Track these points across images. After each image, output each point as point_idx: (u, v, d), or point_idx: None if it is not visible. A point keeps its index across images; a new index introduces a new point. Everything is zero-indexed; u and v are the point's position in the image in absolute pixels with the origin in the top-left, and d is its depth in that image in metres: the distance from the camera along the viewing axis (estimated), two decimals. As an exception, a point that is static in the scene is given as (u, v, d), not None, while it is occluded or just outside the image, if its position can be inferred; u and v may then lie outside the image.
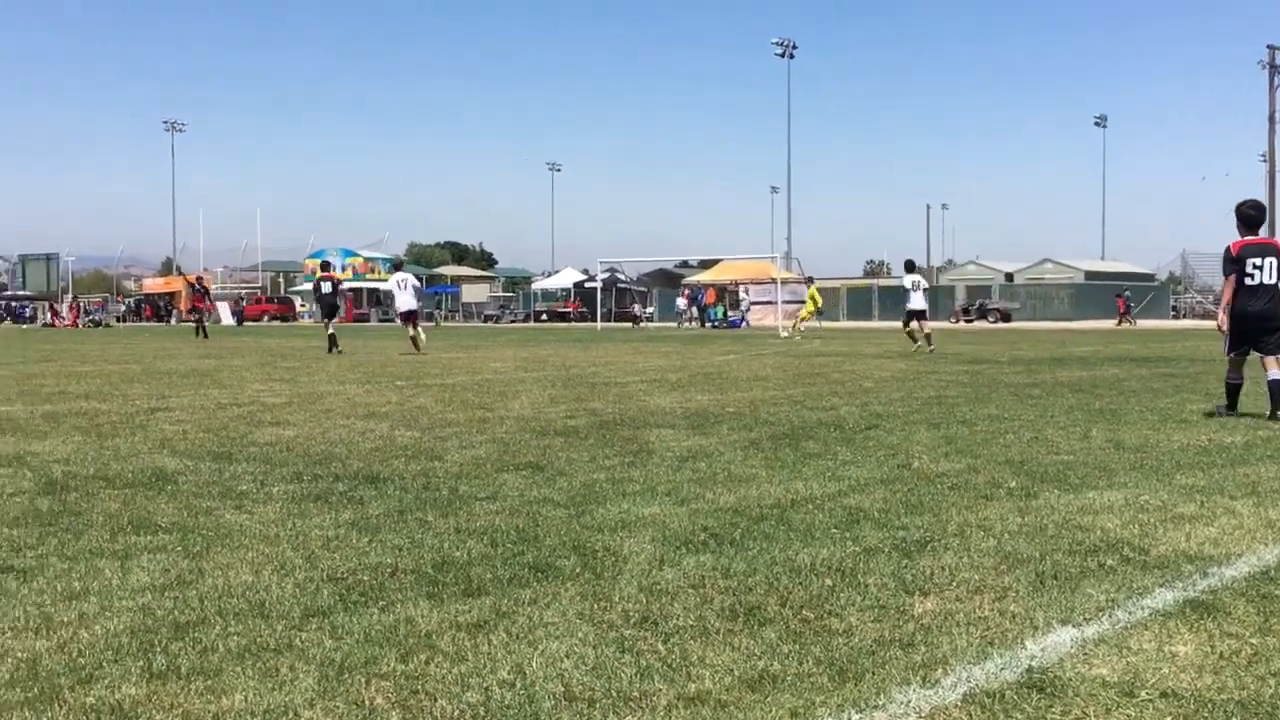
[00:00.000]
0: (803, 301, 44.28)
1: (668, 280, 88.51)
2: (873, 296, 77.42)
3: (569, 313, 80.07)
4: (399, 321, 28.52)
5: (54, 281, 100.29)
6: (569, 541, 5.68)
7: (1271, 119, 68.35)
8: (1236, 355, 11.32)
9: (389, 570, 5.12)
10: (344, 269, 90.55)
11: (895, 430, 10.31)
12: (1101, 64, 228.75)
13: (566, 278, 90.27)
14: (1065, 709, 3.46)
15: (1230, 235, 11.39)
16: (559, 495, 6.99)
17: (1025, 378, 17.21)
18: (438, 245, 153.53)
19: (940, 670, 3.79)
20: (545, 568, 5.15)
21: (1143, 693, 3.58)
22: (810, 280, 48.41)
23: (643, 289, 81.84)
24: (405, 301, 27.16)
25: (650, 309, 76.25)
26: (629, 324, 66.63)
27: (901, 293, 27.79)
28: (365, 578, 4.99)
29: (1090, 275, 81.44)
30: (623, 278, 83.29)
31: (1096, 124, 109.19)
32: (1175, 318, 73.79)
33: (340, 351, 26.37)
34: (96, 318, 75.03)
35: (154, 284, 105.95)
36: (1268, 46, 68.52)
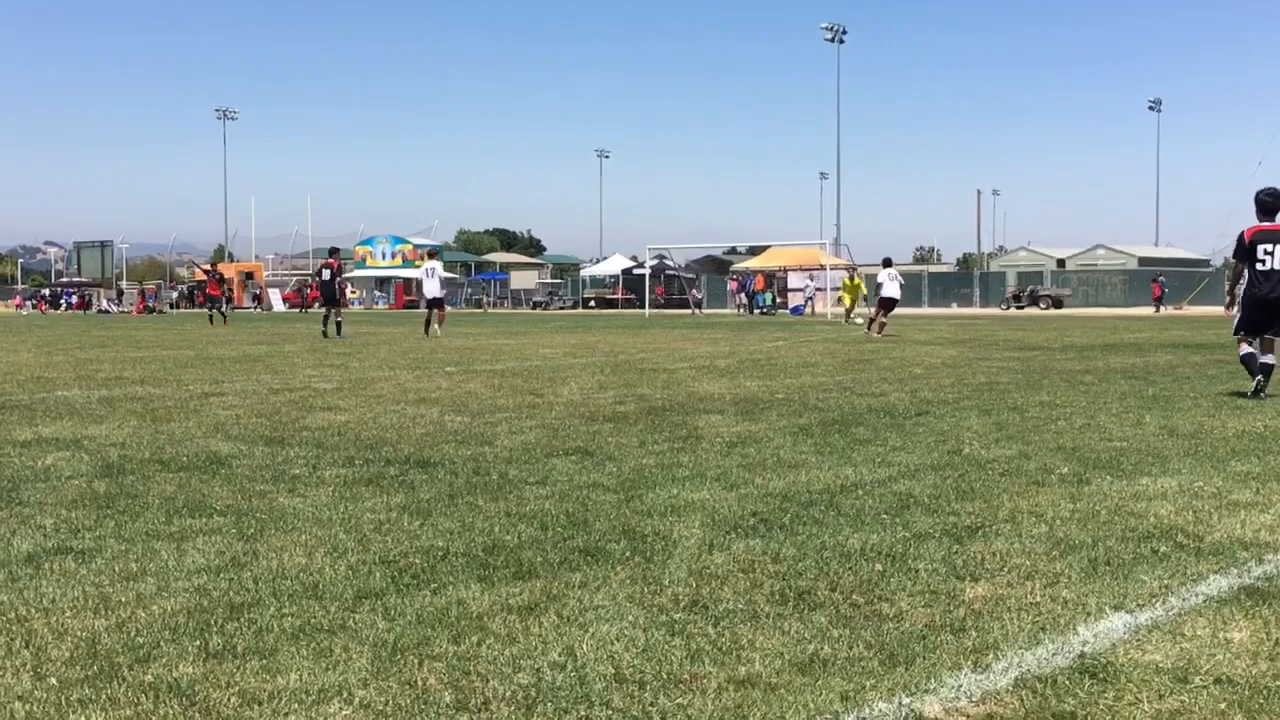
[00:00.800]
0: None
1: (716, 267, 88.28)
2: (922, 283, 76.96)
3: (617, 299, 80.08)
4: (424, 306, 29.25)
5: (108, 269, 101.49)
6: (619, 526, 5.69)
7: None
8: (1245, 336, 11.71)
9: (440, 553, 5.16)
10: (394, 256, 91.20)
11: (946, 416, 10.26)
12: (1156, 48, 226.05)
13: (615, 264, 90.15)
14: (1118, 694, 3.44)
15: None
16: (608, 480, 7.01)
17: (1077, 364, 17.05)
18: (486, 232, 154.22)
19: (991, 655, 3.77)
20: (595, 551, 5.17)
21: (1196, 679, 3.55)
22: (853, 269, 47.83)
23: (691, 275, 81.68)
24: (432, 289, 28.81)
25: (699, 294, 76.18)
26: (685, 311, 66.32)
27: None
28: (417, 560, 5.02)
29: (1144, 261, 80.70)
30: (671, 264, 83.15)
31: (1151, 108, 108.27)
32: (1231, 304, 72.76)
33: (327, 336, 26.76)
34: (150, 304, 75.84)
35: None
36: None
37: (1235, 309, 11.87)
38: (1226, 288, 11.78)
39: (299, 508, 6.22)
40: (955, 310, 66.55)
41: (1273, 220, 11.38)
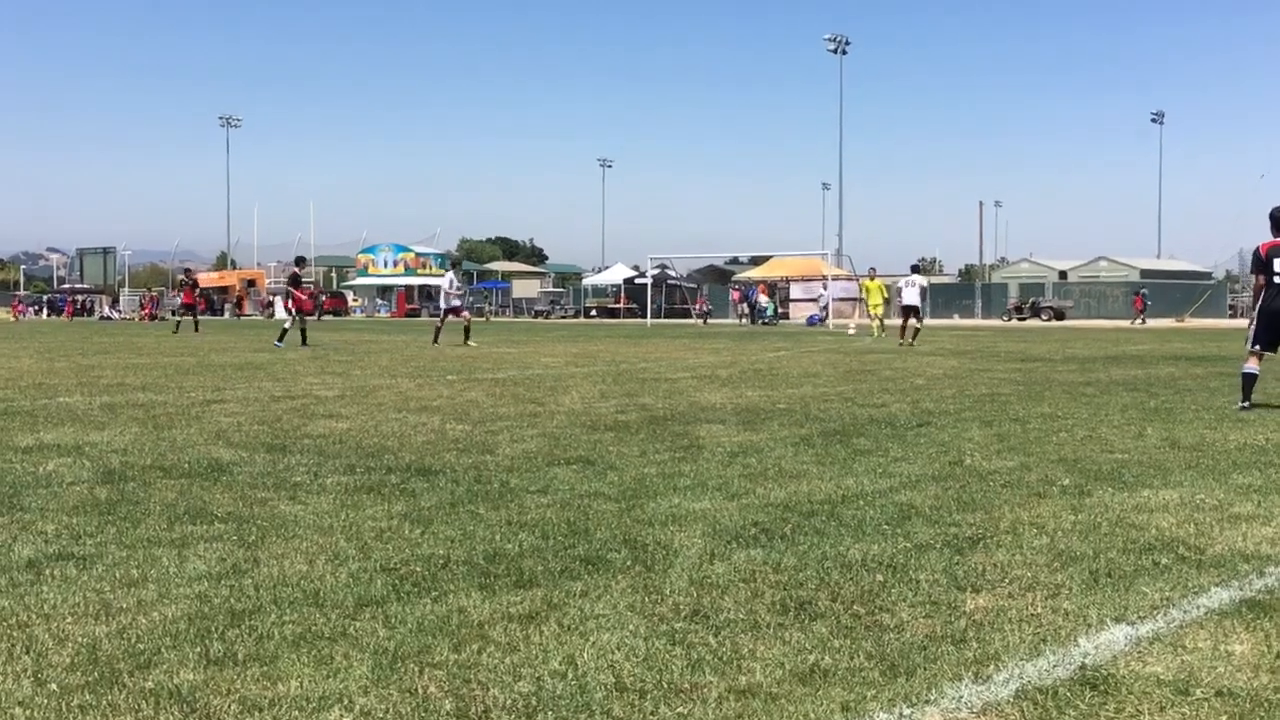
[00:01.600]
0: (862, 299, 43.41)
1: (718, 277, 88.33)
2: (924, 294, 76.84)
3: (619, 309, 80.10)
4: (442, 314, 29.43)
5: (111, 275, 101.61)
6: (620, 535, 5.69)
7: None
8: (1260, 350, 11.75)
9: (441, 561, 5.16)
10: (396, 264, 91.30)
11: (947, 427, 10.26)
12: (1159, 60, 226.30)
13: (617, 274, 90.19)
14: (1119, 706, 3.44)
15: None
16: (610, 489, 7.01)
17: (1079, 376, 17.05)
18: (489, 241, 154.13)
19: (992, 666, 3.77)
20: (596, 560, 5.17)
21: (1198, 691, 3.55)
22: (873, 273, 46.31)
23: (693, 285, 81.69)
24: (448, 298, 29.51)
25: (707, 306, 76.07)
26: (689, 320, 66.18)
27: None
28: (418, 568, 5.03)
29: (1146, 274, 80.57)
30: (673, 274, 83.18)
31: (1153, 120, 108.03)
32: (1232, 316, 72.77)
33: (282, 345, 25.92)
34: (152, 311, 75.77)
35: (208, 278, 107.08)
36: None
37: (1251, 322, 11.96)
38: (1250, 303, 11.91)
39: (300, 515, 6.22)
40: (957, 321, 66.50)
41: None
